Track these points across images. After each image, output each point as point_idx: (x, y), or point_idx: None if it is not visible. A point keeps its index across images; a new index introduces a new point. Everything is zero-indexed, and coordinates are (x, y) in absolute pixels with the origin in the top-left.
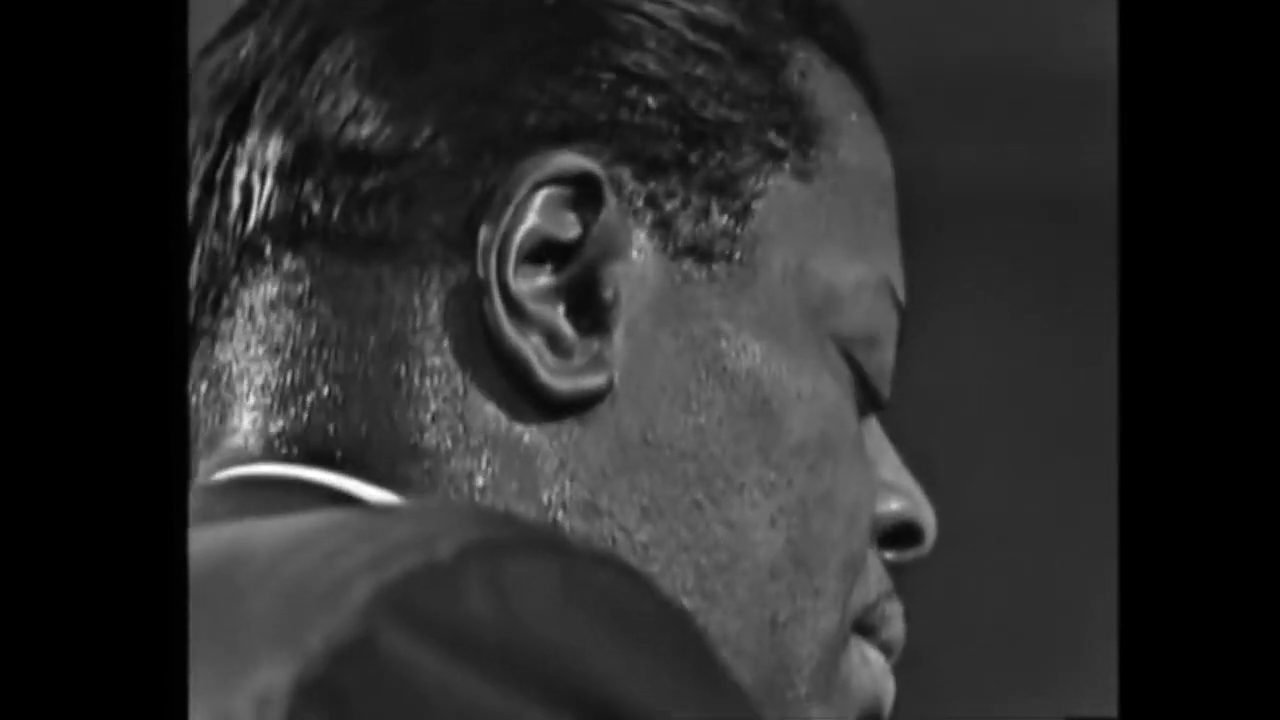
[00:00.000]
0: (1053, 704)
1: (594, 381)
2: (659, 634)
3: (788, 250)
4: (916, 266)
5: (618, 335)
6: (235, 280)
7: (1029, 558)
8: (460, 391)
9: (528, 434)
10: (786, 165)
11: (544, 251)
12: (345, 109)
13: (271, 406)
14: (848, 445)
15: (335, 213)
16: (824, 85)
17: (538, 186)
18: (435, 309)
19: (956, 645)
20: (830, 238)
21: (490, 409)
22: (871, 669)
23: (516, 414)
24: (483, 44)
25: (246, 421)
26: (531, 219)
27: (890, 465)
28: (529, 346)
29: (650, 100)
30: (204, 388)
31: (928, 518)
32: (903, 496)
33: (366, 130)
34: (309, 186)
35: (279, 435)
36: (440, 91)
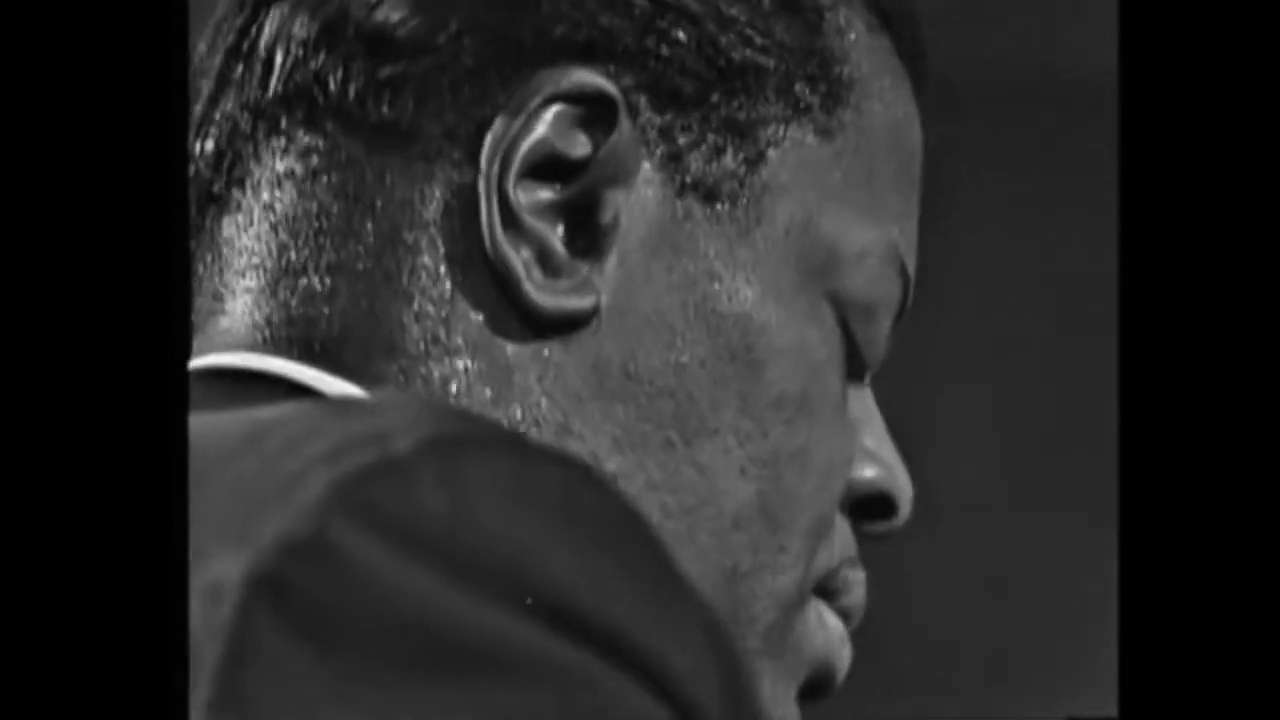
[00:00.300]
0: (1053, 704)
1: (579, 304)
2: (614, 536)
3: (796, 204)
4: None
5: (610, 262)
6: (249, 149)
7: (1029, 557)
8: (446, 295)
9: (509, 346)
10: (809, 120)
11: (549, 167)
12: None
13: (263, 290)
14: (828, 406)
15: (351, 94)
16: (861, 47)
17: (553, 99)
18: (434, 208)
19: (957, 645)
20: (843, 199)
21: (474, 316)
22: (828, 633)
23: (500, 325)
24: None
25: (238, 305)
26: (541, 130)
27: (874, 434)
28: (518, 259)
29: (681, 33)
30: (208, 259)
31: (904, 490)
32: (881, 466)
33: (394, 16)
34: (329, 64)
35: (265, 321)
36: None
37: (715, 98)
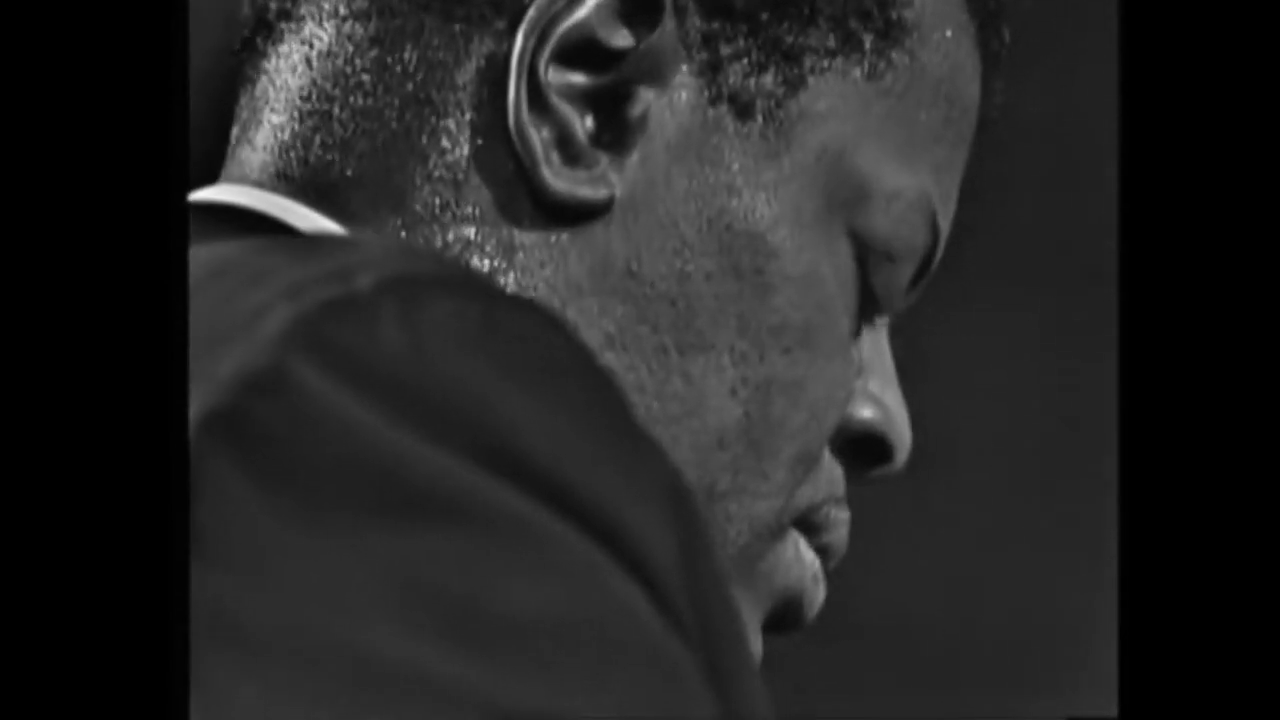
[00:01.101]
0: (1053, 704)
1: (593, 194)
2: (575, 385)
3: (831, 134)
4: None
5: (632, 159)
6: None
7: (1029, 556)
8: (463, 162)
9: (517, 224)
10: (858, 55)
11: (586, 52)
12: None
13: (286, 126)
14: (830, 340)
15: None
16: None
17: None
18: (466, 73)
19: (956, 644)
20: (881, 137)
21: (487, 189)
22: (803, 568)
23: (511, 202)
24: None
25: (261, 137)
26: (583, 13)
27: (881, 377)
28: (538, 139)
29: None
30: (250, 87)
31: (901, 436)
32: (881, 409)
33: None
34: None
35: (282, 158)
36: None
37: (765, 16)
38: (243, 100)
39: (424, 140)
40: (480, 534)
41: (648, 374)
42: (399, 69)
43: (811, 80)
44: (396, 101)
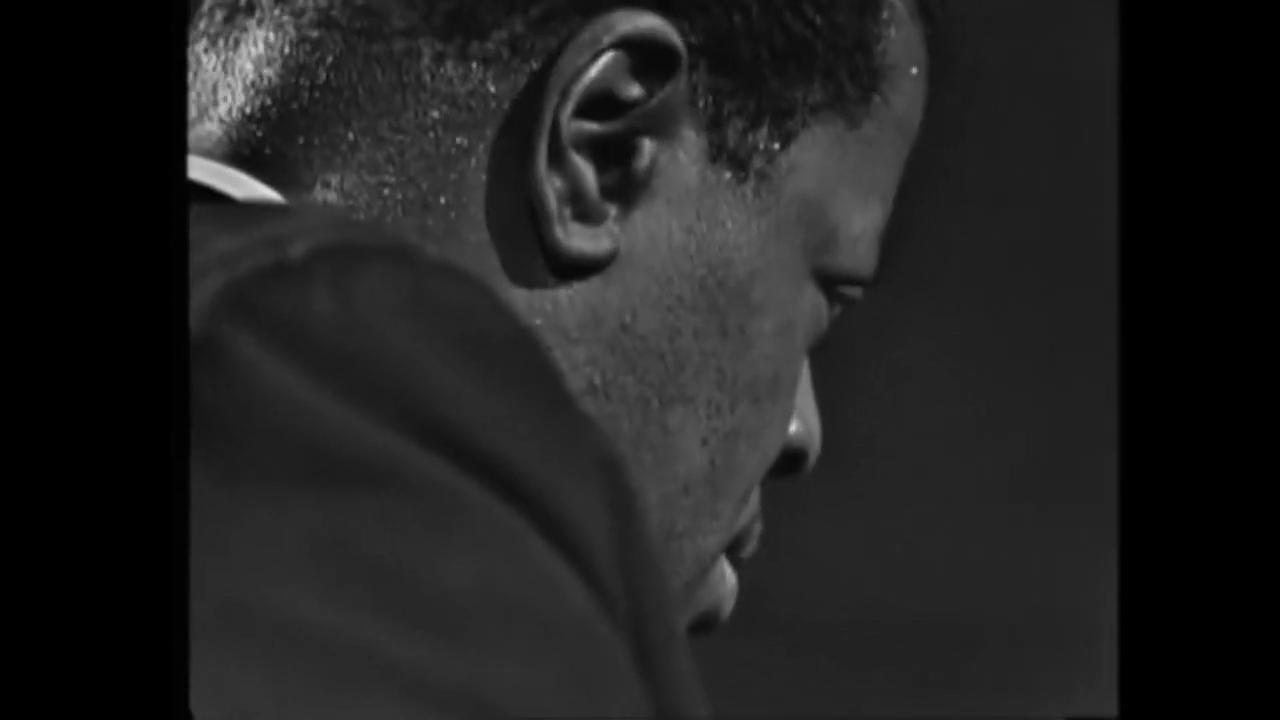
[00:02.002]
0: (1053, 704)
1: (596, 250)
2: (506, 356)
3: (811, 184)
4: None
5: (636, 212)
6: None
7: (1029, 556)
8: (464, 196)
9: (513, 271)
10: (843, 106)
11: (599, 102)
12: None
13: (254, 116)
14: (790, 385)
15: None
16: (901, 35)
17: (623, 43)
18: (480, 112)
19: (957, 645)
20: (853, 183)
21: (486, 230)
22: (724, 586)
23: (509, 246)
24: None
25: (223, 114)
26: (605, 66)
27: (802, 389)
28: (553, 193)
29: (753, 2)
30: (221, 57)
31: (816, 449)
32: (802, 423)
33: None
34: None
35: (241, 141)
36: None
37: (766, 72)
38: (208, 69)
39: (421, 169)
40: (407, 502)
41: (627, 424)
42: (408, 94)
43: (802, 134)
44: (396, 124)
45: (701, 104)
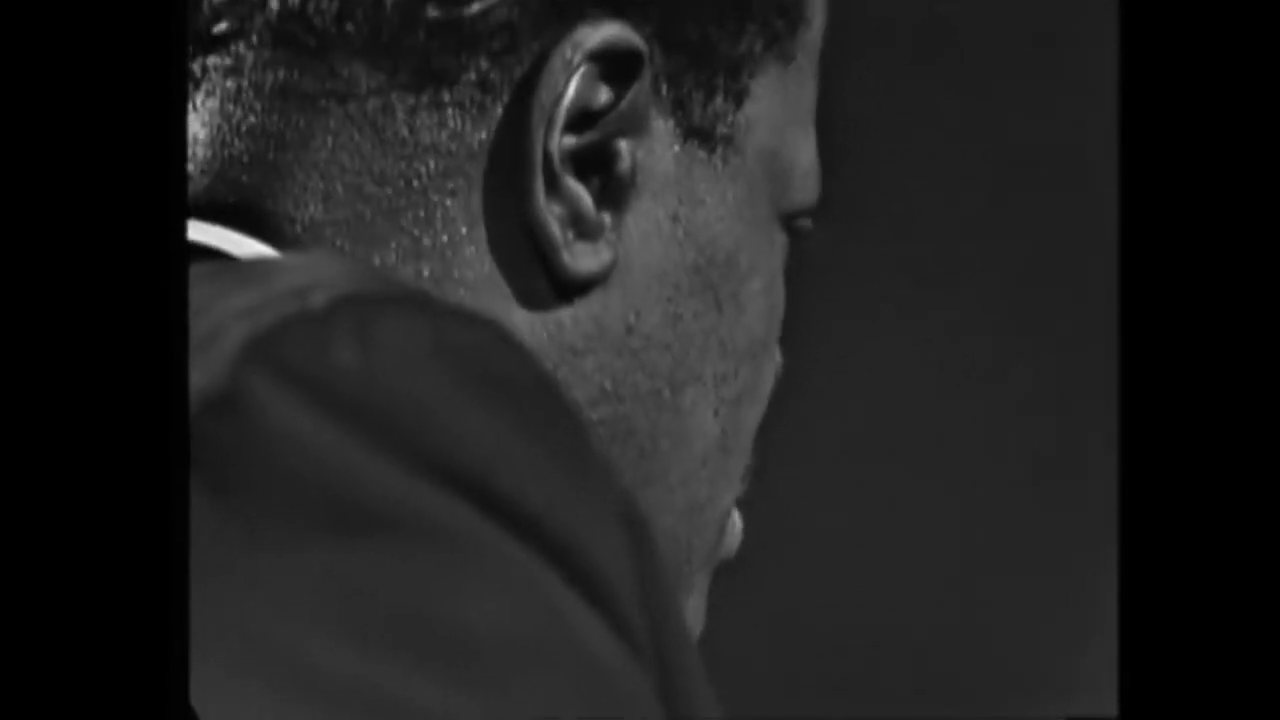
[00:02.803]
0: (1053, 704)
1: (599, 265)
2: (527, 402)
3: (766, 133)
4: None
5: (627, 218)
6: (262, 30)
7: (1029, 558)
8: (455, 239)
9: (513, 298)
10: (779, 48)
11: (574, 120)
12: None
13: (234, 162)
14: (776, 329)
15: (387, 26)
16: None
17: (591, 57)
18: (458, 155)
19: (957, 645)
20: (795, 119)
21: (482, 264)
22: (735, 530)
23: (511, 279)
24: None
25: (203, 164)
26: (577, 84)
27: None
28: (555, 222)
29: None
30: (204, 102)
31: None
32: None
33: None
34: None
35: (225, 191)
36: None
37: (712, 38)
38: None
39: (413, 218)
40: (430, 548)
41: (643, 419)
42: (385, 147)
43: (752, 87)
44: (378, 177)
45: (663, 91)
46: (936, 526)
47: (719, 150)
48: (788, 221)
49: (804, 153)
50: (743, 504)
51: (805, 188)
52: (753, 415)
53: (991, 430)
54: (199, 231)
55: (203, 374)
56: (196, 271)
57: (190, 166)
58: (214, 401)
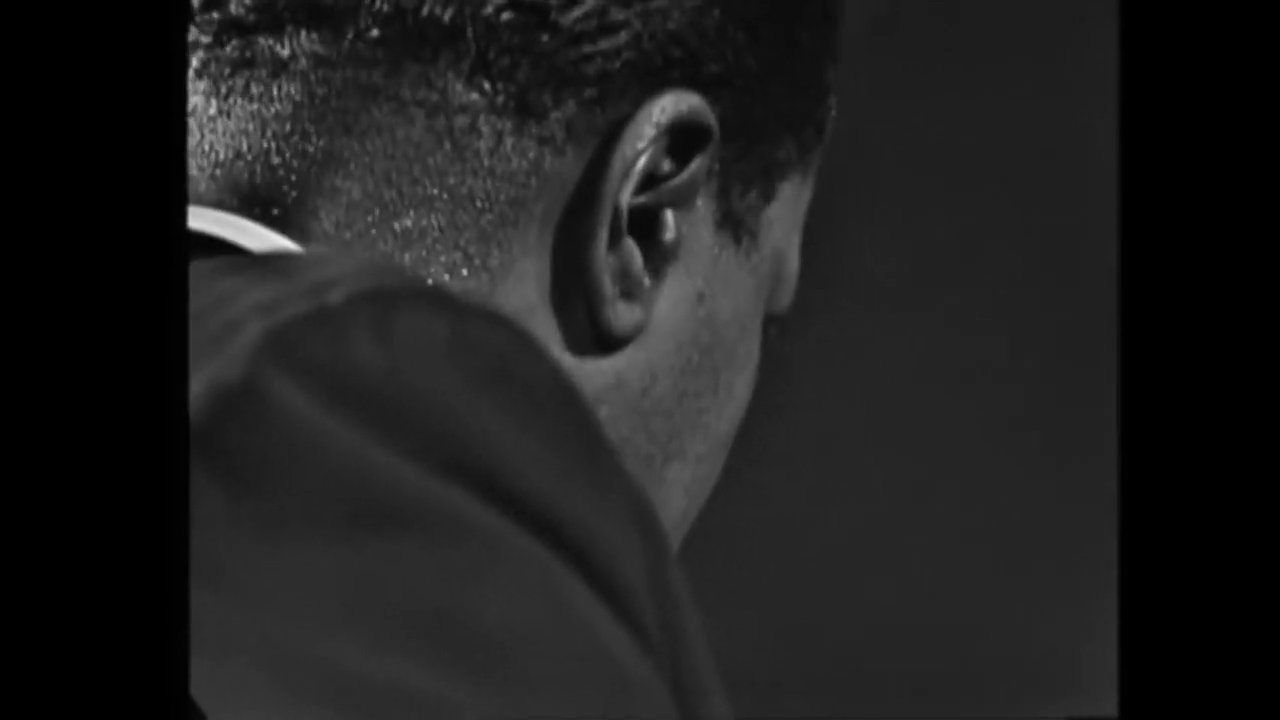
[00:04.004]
0: (1053, 704)
1: (633, 325)
2: (544, 401)
3: (779, 234)
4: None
5: (664, 284)
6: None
7: (1029, 559)
8: (507, 266)
9: (548, 338)
10: (803, 159)
11: (642, 182)
12: None
13: (263, 157)
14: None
15: (490, 47)
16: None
17: (672, 127)
18: (534, 188)
19: (957, 646)
20: (797, 226)
21: (525, 297)
22: None
23: (550, 319)
24: None
25: (232, 159)
26: (652, 152)
27: None
28: (608, 273)
29: (770, 78)
30: (225, 98)
31: None
32: None
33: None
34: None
35: (257, 187)
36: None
37: (760, 136)
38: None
39: (472, 234)
40: (447, 547)
41: None
42: (459, 165)
43: (779, 188)
44: (438, 191)
45: (715, 174)
46: (936, 526)
47: (744, 242)
48: (767, 323)
49: (796, 259)
50: (743, 503)
51: (787, 294)
52: (702, 501)
53: (991, 429)
54: (218, 224)
55: (219, 367)
56: (215, 265)
57: (226, 151)
58: (230, 395)
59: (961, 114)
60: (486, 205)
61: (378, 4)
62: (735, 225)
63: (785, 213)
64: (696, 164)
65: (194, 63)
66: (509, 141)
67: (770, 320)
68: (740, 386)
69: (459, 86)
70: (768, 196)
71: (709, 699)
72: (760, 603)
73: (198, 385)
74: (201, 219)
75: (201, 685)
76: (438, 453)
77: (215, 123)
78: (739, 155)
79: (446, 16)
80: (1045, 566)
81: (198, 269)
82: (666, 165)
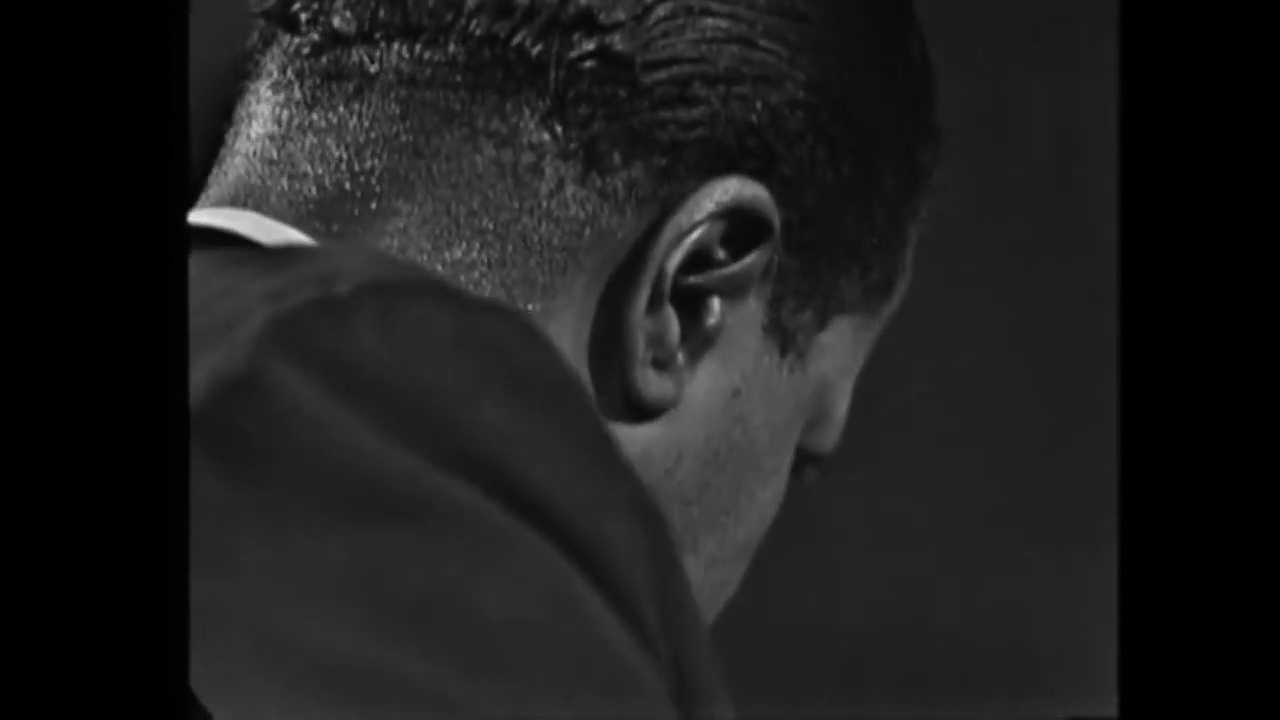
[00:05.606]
0: (1053, 704)
1: (662, 399)
2: (547, 394)
3: (829, 366)
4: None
5: (700, 369)
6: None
7: (1029, 557)
8: (547, 313)
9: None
10: (865, 301)
11: (693, 258)
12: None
13: (321, 179)
14: (753, 550)
15: (569, 91)
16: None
17: (732, 211)
18: (587, 239)
19: (958, 646)
20: (850, 371)
21: (559, 346)
22: None
23: (586, 365)
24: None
25: (283, 171)
26: (709, 228)
27: None
28: (643, 337)
29: (841, 199)
30: (302, 125)
31: None
32: None
33: (659, 60)
34: (578, 46)
35: (309, 205)
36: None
37: (824, 258)
38: (299, 116)
39: (518, 274)
40: (448, 538)
41: None
42: (524, 204)
43: (835, 318)
44: (493, 225)
45: (770, 278)
46: (936, 525)
47: (790, 357)
48: (801, 456)
49: (843, 405)
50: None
51: (831, 436)
52: (716, 610)
53: (991, 429)
54: (231, 219)
55: (224, 356)
56: (223, 256)
57: (301, 163)
58: (234, 384)
59: (961, 113)
60: (537, 248)
61: (472, 25)
62: (783, 337)
63: (840, 348)
64: (753, 258)
65: (289, 74)
66: (570, 189)
67: (809, 459)
68: (764, 498)
69: (532, 124)
70: (822, 322)
71: (710, 698)
72: (760, 603)
73: (202, 372)
74: (219, 216)
75: (197, 670)
76: (438, 443)
77: (297, 136)
78: (799, 270)
79: (535, 51)
80: (1046, 567)
81: (209, 260)
82: (722, 252)
